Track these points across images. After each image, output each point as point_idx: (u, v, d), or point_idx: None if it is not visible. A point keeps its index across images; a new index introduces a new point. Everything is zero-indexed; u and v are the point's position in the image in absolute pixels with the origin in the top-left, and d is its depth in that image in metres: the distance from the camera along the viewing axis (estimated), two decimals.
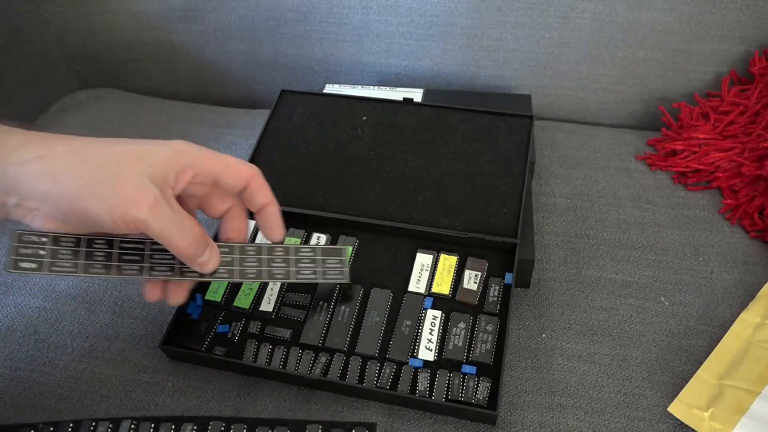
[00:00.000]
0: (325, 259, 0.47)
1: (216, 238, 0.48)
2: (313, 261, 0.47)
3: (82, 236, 0.42)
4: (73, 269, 0.41)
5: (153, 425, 0.44)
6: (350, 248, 0.46)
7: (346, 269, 0.49)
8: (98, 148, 0.40)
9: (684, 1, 0.74)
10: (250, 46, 0.86)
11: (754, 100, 0.70)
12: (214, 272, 0.45)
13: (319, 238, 0.60)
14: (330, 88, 0.79)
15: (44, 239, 0.40)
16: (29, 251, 0.40)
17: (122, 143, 0.41)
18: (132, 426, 0.44)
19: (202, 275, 0.45)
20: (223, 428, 0.44)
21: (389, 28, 0.81)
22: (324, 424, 0.44)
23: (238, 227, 0.48)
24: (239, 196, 0.47)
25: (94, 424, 0.44)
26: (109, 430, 0.44)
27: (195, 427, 0.44)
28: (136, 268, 0.43)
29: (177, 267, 0.45)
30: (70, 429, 0.44)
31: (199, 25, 0.85)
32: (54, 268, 0.40)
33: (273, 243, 0.49)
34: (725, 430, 0.49)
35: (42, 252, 0.40)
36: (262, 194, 0.46)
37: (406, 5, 0.79)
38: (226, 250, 0.47)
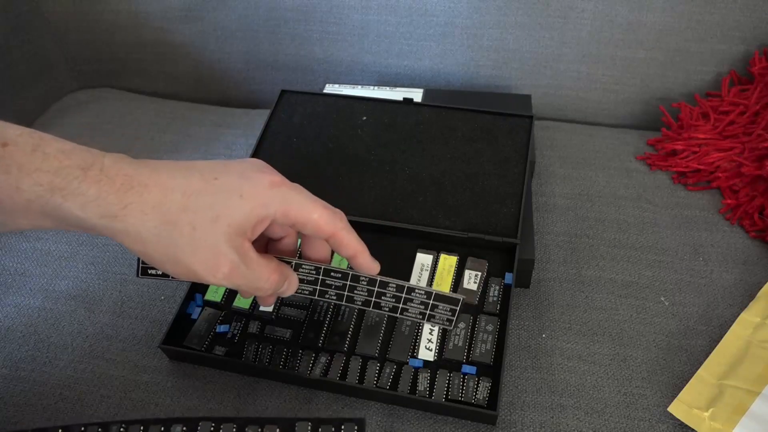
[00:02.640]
0: (436, 304, 0.46)
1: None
2: (424, 304, 0.46)
3: None
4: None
5: (142, 428, 0.44)
6: (462, 298, 0.46)
7: (455, 318, 0.47)
8: (177, 204, 0.38)
9: (684, 1, 0.74)
10: (250, 46, 0.86)
11: (754, 100, 0.70)
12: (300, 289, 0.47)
13: None
14: (330, 88, 0.79)
15: None
16: None
17: (200, 195, 0.38)
18: (121, 429, 0.44)
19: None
20: (212, 428, 0.44)
21: (389, 28, 0.81)
22: (313, 422, 0.44)
23: (319, 250, 0.47)
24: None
25: (83, 429, 0.44)
26: None
27: (184, 428, 0.44)
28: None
29: None
30: None
31: (199, 25, 0.85)
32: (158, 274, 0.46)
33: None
34: (725, 430, 0.49)
35: None
36: (347, 249, 0.44)
37: (406, 5, 0.79)
38: (311, 270, 0.46)
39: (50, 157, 0.36)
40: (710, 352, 0.54)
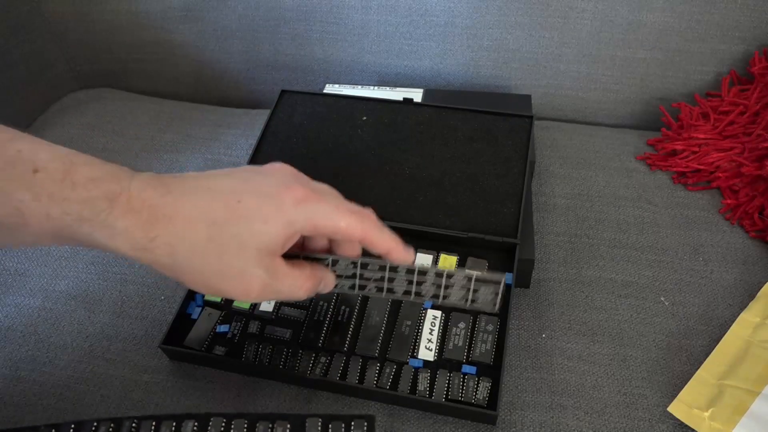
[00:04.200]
0: (478, 288, 0.46)
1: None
2: (465, 288, 0.46)
3: None
4: None
5: (154, 424, 0.44)
6: (503, 278, 0.46)
7: (499, 299, 0.46)
8: (202, 235, 0.38)
9: (684, 1, 0.74)
10: (250, 46, 0.86)
11: (754, 100, 0.70)
12: (340, 284, 0.47)
13: None
14: (330, 88, 0.79)
15: None
16: None
17: (224, 225, 0.38)
18: (133, 425, 0.44)
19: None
20: (223, 424, 0.44)
21: (389, 28, 0.81)
22: (324, 418, 0.44)
23: (352, 249, 0.46)
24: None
25: (95, 424, 0.44)
26: (110, 430, 0.44)
27: (196, 424, 0.44)
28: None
29: None
30: (71, 430, 0.44)
31: (199, 25, 0.85)
32: None
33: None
34: (725, 430, 0.49)
35: None
36: (379, 248, 0.44)
37: (406, 5, 0.79)
38: (349, 266, 0.46)
39: (79, 186, 0.36)
40: (710, 352, 0.54)
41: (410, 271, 0.46)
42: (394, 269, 0.46)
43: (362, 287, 0.47)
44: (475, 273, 0.45)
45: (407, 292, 0.46)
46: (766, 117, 0.68)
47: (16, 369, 0.55)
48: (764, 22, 0.73)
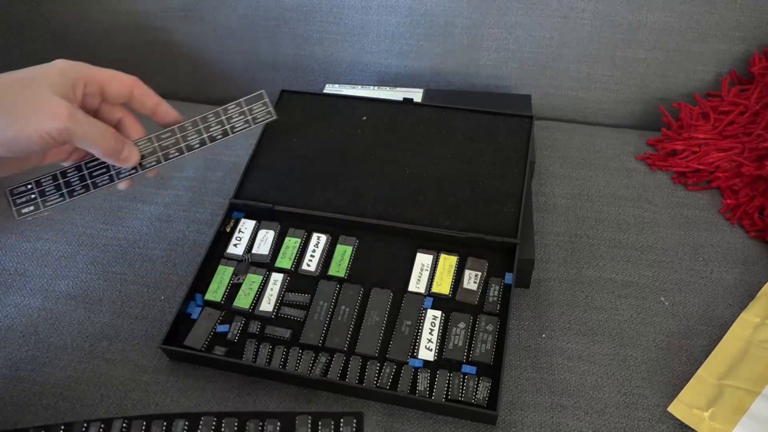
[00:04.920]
0: (251, 107, 0.52)
1: None
2: (242, 113, 0.52)
3: (56, 171, 0.50)
4: (62, 198, 0.50)
5: (144, 423, 0.44)
6: (263, 92, 0.53)
7: (272, 108, 0.53)
8: None
9: (684, 1, 0.74)
10: (250, 46, 0.86)
11: (754, 100, 0.70)
12: (143, 164, 0.50)
13: (319, 238, 0.60)
14: (330, 88, 0.79)
15: (29, 186, 0.50)
16: (23, 199, 0.49)
17: (10, 74, 0.43)
18: (123, 425, 0.44)
19: (135, 170, 0.50)
20: (214, 423, 0.44)
21: (389, 28, 0.81)
22: (313, 415, 0.44)
23: (135, 130, 0.50)
24: (129, 106, 0.50)
25: (85, 425, 0.44)
26: (101, 430, 0.44)
27: (186, 423, 0.44)
28: (105, 178, 0.50)
29: (113, 173, 0.51)
30: (61, 431, 0.44)
31: (199, 25, 0.85)
32: (47, 204, 0.49)
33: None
34: (725, 430, 0.49)
35: (33, 195, 0.49)
36: (149, 97, 0.49)
37: (406, 5, 0.79)
38: (144, 142, 0.50)
39: None
40: (710, 352, 0.54)
41: (195, 123, 0.51)
42: (183, 128, 0.51)
43: (166, 157, 0.50)
44: (242, 99, 0.53)
45: (202, 141, 0.51)
46: (766, 117, 0.68)
47: (16, 369, 0.55)
48: (764, 22, 0.73)
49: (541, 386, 0.53)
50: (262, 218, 0.62)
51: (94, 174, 0.50)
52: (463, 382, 0.51)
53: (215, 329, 0.55)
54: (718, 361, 0.53)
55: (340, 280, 0.57)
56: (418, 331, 0.54)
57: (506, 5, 0.76)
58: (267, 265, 0.59)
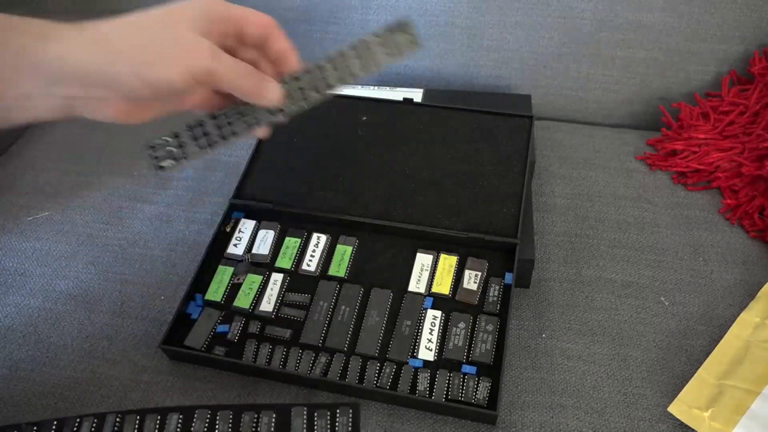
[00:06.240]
0: (394, 37, 0.47)
1: None
2: (385, 44, 0.47)
3: (192, 123, 0.47)
4: (201, 149, 0.47)
5: (138, 418, 0.44)
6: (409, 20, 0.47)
7: (416, 36, 0.47)
8: (137, 21, 0.42)
9: (684, 1, 0.74)
10: None
11: (754, 100, 0.70)
12: (290, 105, 0.48)
13: (319, 238, 0.60)
14: None
15: (167, 138, 0.47)
16: (162, 153, 0.47)
17: (147, 13, 0.42)
18: (117, 420, 0.44)
19: (273, 114, 0.48)
20: (208, 416, 0.44)
21: None
22: (309, 407, 0.44)
23: (270, 72, 0.48)
24: (262, 50, 0.47)
25: (78, 420, 0.44)
26: (93, 425, 0.44)
27: (181, 417, 0.44)
28: (243, 125, 0.48)
29: (252, 120, 0.48)
30: (54, 427, 0.44)
31: None
32: (188, 155, 0.47)
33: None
34: (725, 430, 0.49)
35: (171, 148, 0.47)
36: (283, 41, 0.46)
37: (406, 5, 0.79)
38: (288, 78, 0.47)
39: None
40: (710, 352, 0.54)
41: (332, 58, 0.47)
42: (321, 67, 0.47)
43: (305, 97, 0.47)
44: (383, 28, 0.47)
45: (341, 79, 0.47)
46: (766, 117, 0.68)
47: (16, 369, 0.55)
48: (764, 22, 0.73)
49: (541, 386, 0.53)
50: (262, 218, 0.62)
51: (231, 122, 0.48)
52: (463, 382, 0.51)
53: (215, 329, 0.55)
54: (718, 361, 0.53)
55: (340, 280, 0.57)
56: (418, 331, 0.54)
57: (506, 5, 0.76)
58: (267, 265, 0.59)
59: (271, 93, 0.45)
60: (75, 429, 0.44)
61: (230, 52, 0.45)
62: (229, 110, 0.47)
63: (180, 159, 0.47)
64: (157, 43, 0.40)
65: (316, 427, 0.43)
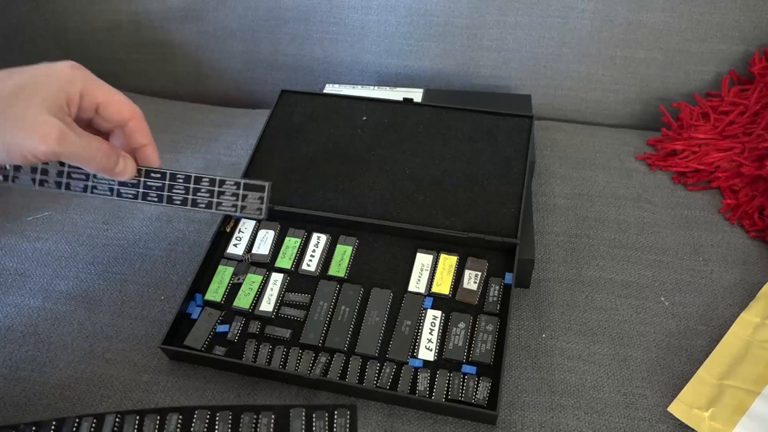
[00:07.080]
0: (246, 194, 0.48)
1: None
2: (234, 195, 0.48)
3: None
4: (33, 182, 0.47)
5: (138, 418, 0.44)
6: (268, 185, 0.47)
7: (265, 205, 0.47)
8: None
9: (684, 1, 0.74)
10: (250, 46, 0.86)
11: (754, 100, 0.70)
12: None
13: (319, 238, 0.60)
14: (330, 88, 0.79)
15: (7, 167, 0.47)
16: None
17: (6, 85, 0.41)
18: (116, 420, 0.44)
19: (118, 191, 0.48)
20: (208, 417, 0.44)
21: (389, 28, 0.81)
22: (307, 408, 0.44)
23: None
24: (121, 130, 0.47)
25: (77, 421, 0.44)
26: (93, 426, 0.44)
27: (180, 417, 0.44)
28: (81, 185, 0.48)
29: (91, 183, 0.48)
30: (53, 427, 0.44)
31: (199, 25, 0.85)
32: (15, 182, 0.47)
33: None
34: (725, 430, 0.49)
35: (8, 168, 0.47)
36: (141, 135, 0.46)
37: (406, 5, 0.79)
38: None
39: None
40: (710, 352, 0.54)
41: (188, 178, 0.47)
42: (174, 177, 0.47)
43: (145, 195, 0.47)
44: (243, 180, 0.47)
45: (184, 201, 0.47)
46: (766, 117, 0.68)
47: (16, 369, 0.55)
48: (764, 22, 0.73)
49: (541, 386, 0.53)
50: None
51: (73, 177, 0.48)
52: (463, 382, 0.51)
53: (215, 329, 0.55)
54: (718, 361, 0.53)
55: (340, 280, 0.57)
56: (418, 331, 0.54)
57: (506, 5, 0.76)
58: (267, 265, 0.59)
59: (122, 168, 0.45)
60: (74, 429, 0.44)
61: (88, 121, 0.45)
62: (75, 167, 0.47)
63: (8, 180, 0.47)
64: (4, 122, 0.40)
65: (314, 429, 0.43)
